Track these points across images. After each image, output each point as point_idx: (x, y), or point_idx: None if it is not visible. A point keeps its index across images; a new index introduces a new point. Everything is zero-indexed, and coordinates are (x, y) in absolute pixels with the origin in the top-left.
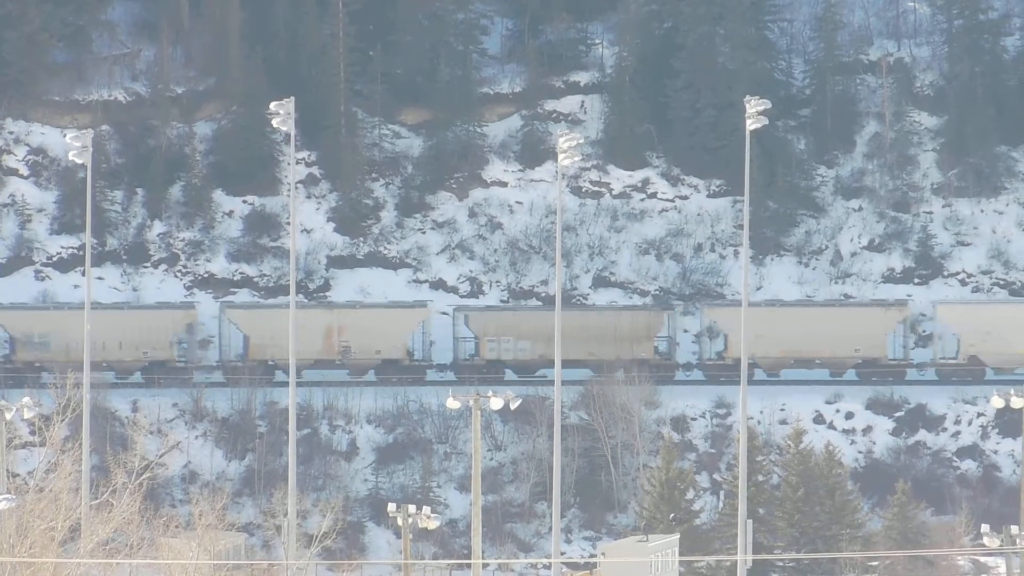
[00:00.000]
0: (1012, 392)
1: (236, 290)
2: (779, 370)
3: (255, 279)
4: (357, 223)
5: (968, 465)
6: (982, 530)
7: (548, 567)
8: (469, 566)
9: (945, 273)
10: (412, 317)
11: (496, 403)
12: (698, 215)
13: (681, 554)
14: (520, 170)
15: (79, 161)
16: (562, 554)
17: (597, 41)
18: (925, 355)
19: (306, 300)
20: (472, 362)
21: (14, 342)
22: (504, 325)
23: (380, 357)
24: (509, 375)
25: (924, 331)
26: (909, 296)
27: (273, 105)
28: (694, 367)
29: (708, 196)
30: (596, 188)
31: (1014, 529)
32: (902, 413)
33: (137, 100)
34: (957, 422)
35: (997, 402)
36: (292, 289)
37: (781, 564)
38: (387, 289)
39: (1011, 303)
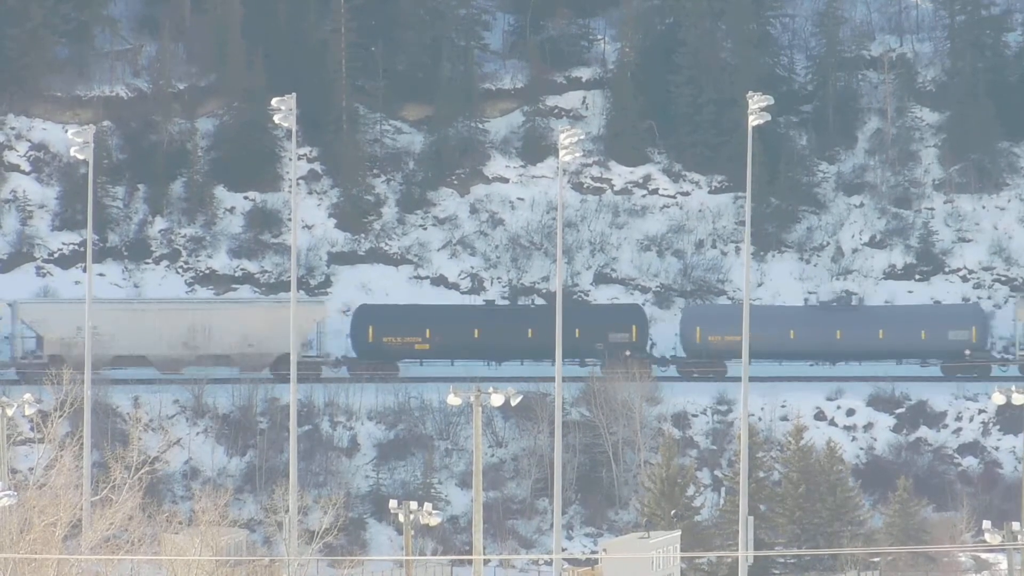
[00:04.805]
0: (1013, 388)
1: (237, 286)
2: None
3: (256, 275)
4: (358, 219)
5: (969, 461)
6: (983, 526)
7: (549, 563)
8: (470, 562)
9: (946, 269)
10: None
11: (497, 399)
12: (699, 211)
13: (682, 551)
14: (521, 166)
15: (81, 157)
16: (563, 550)
17: (599, 37)
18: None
19: (307, 296)
20: None
21: None
22: None
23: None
24: None
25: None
26: (910, 292)
27: (275, 101)
28: None
29: (709, 192)
30: (597, 184)
31: (1015, 525)
32: (903, 410)
33: (139, 96)
34: (958, 418)
35: (998, 398)
36: (293, 286)
37: (782, 560)
38: (388, 285)
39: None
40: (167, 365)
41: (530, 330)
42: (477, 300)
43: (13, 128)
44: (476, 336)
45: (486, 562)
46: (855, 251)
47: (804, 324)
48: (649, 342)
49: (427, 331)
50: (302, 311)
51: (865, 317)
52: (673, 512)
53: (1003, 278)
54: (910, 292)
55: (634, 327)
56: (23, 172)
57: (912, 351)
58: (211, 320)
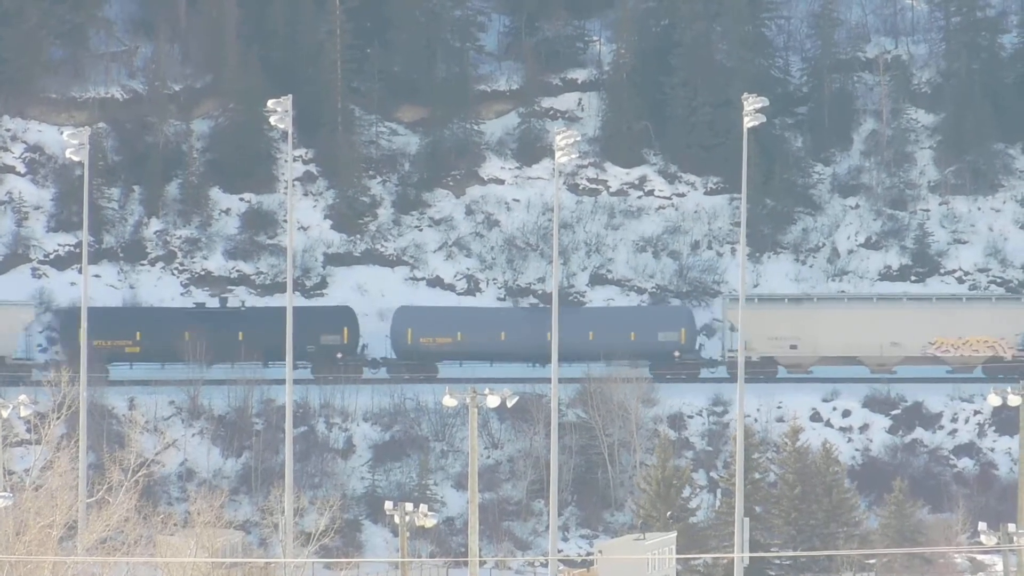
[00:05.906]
0: (1009, 390)
1: (233, 288)
2: None
3: (252, 276)
4: (354, 220)
5: (965, 463)
6: (979, 528)
7: (545, 565)
8: (466, 564)
9: (942, 271)
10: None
11: (493, 401)
12: (695, 212)
13: (678, 552)
14: (517, 167)
15: (76, 159)
16: (559, 552)
17: (594, 38)
18: None
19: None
20: None
21: None
22: None
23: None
24: None
25: None
26: (905, 294)
27: (270, 103)
28: None
29: (705, 193)
30: (593, 185)
31: (1011, 527)
32: (899, 411)
33: (134, 97)
34: (954, 420)
35: (994, 400)
36: (289, 287)
37: (778, 562)
38: (384, 287)
39: None
40: None
41: (240, 332)
42: (473, 301)
43: (8, 130)
44: (186, 339)
45: (482, 564)
46: (851, 252)
47: (515, 325)
48: (360, 344)
49: (137, 334)
50: (6, 314)
51: (576, 318)
52: (669, 513)
53: (998, 280)
54: (905, 294)
55: (345, 329)
56: (18, 174)
57: (622, 352)
58: None
